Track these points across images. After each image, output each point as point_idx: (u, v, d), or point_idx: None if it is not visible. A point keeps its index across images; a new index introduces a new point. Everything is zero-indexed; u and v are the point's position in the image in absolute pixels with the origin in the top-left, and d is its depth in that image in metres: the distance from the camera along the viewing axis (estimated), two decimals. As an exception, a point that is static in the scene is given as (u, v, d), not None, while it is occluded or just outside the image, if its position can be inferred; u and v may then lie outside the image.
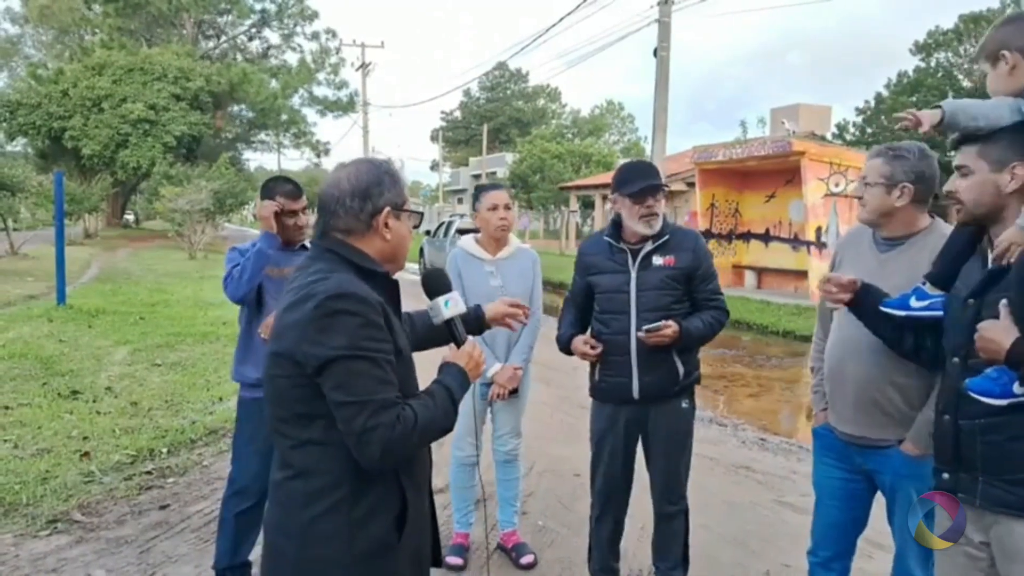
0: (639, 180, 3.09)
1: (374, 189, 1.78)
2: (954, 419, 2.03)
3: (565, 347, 3.31)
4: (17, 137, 34.97)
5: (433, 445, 1.89)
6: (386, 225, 1.79)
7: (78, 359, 8.08)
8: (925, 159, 2.52)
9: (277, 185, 3.38)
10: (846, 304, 2.42)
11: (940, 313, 2.18)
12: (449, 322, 1.98)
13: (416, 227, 1.93)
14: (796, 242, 17.27)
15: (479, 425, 3.81)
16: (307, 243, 3.44)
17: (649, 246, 3.12)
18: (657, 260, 3.11)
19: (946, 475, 2.07)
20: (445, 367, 1.90)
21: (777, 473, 5.48)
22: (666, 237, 3.13)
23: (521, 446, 3.98)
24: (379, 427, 1.59)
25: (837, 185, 15.76)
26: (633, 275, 3.12)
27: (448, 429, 1.78)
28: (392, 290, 1.82)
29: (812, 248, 15.68)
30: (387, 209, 1.78)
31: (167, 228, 28.43)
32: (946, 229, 2.58)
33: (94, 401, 6.47)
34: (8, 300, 12.58)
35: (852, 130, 29.01)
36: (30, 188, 19.75)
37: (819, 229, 15.70)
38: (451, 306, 1.97)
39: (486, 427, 3.96)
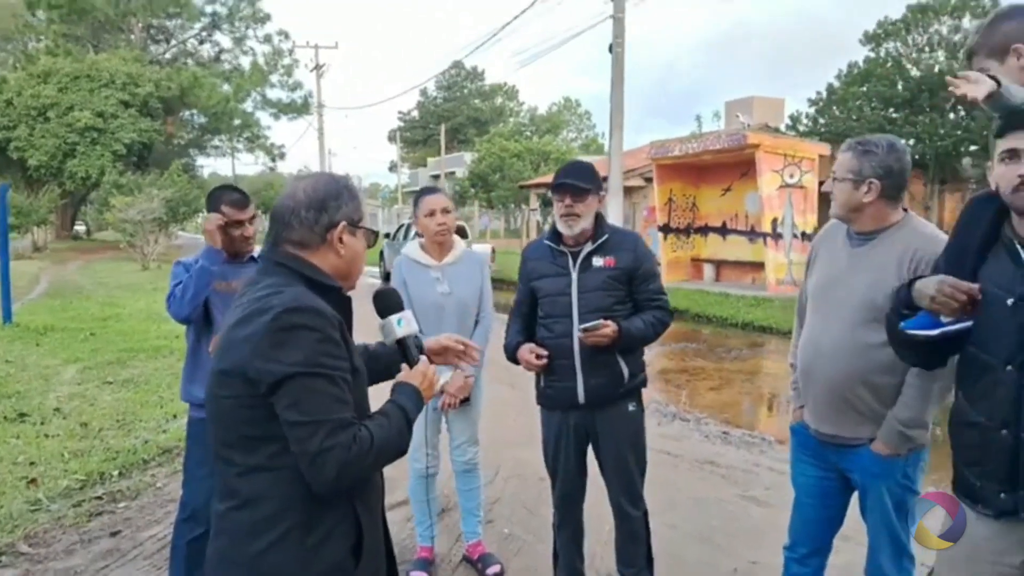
0: (559, 178, 3.10)
1: (331, 202, 1.73)
2: (1014, 433, 1.85)
3: (512, 356, 3.27)
4: (-41, 149, 33.87)
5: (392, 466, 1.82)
6: (340, 240, 1.74)
7: (25, 380, 7.81)
8: (894, 153, 2.50)
9: (223, 194, 3.26)
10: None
11: (971, 323, 1.91)
12: (401, 341, 1.91)
13: (370, 247, 1.86)
14: (753, 234, 17.48)
15: (433, 436, 3.74)
16: (256, 255, 3.33)
17: (588, 247, 3.09)
18: (597, 261, 3.09)
19: (1003, 495, 1.89)
20: (398, 387, 1.83)
21: (741, 467, 5.50)
22: (604, 237, 3.11)
23: (479, 454, 3.92)
24: (335, 448, 1.54)
25: (792, 176, 15.97)
26: (574, 277, 3.09)
27: (403, 450, 1.73)
28: (345, 307, 1.76)
29: (768, 240, 15.88)
30: (343, 224, 1.73)
31: (119, 239, 27.76)
32: (918, 224, 2.57)
33: (42, 423, 6.25)
34: (-49, 319, 12.16)
35: (805, 121, 29.36)
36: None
37: (775, 220, 15.90)
38: (403, 325, 1.91)
39: (444, 437, 3.88)
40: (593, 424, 3.18)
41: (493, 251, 20.99)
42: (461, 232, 14.05)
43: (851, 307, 2.51)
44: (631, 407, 3.18)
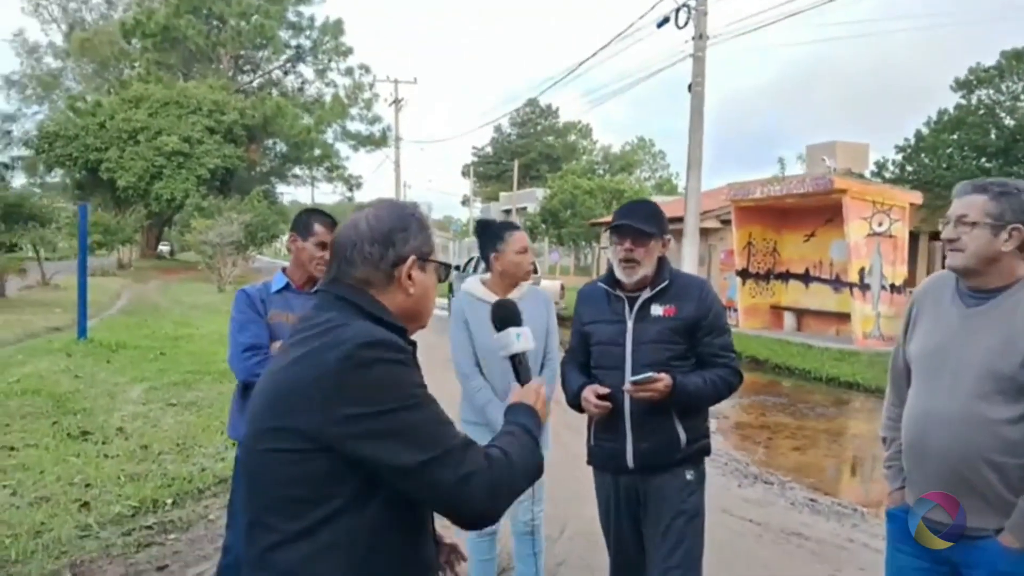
0: (618, 219, 2.81)
1: (398, 235, 1.52)
2: None
3: (575, 400, 2.89)
4: (55, 168, 35.55)
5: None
6: (409, 277, 1.52)
7: (92, 396, 7.82)
8: None
9: (315, 215, 3.14)
10: None
11: None
12: (516, 357, 1.81)
13: (441, 281, 1.65)
14: (838, 283, 16.72)
15: None
16: None
17: (647, 293, 2.78)
18: (656, 310, 2.76)
19: None
20: (513, 409, 1.65)
21: (832, 542, 4.99)
22: (665, 283, 2.78)
23: (543, 514, 3.56)
24: (475, 472, 1.37)
25: (880, 224, 15.24)
26: (629, 326, 2.77)
27: (541, 468, 1.56)
28: (412, 354, 1.49)
29: (855, 290, 15.12)
30: (412, 258, 1.52)
31: (199, 260, 28.55)
32: None
33: (103, 443, 6.17)
34: (32, 332, 12.49)
35: (892, 168, 28.47)
36: (62, 219, 19.88)
37: (862, 270, 15.16)
38: (521, 340, 1.83)
39: None
40: (644, 492, 2.80)
41: (562, 287, 20.68)
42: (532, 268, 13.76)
43: (970, 377, 2.15)
44: (688, 475, 2.78)
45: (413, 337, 1.57)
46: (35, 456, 5.67)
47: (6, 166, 39.54)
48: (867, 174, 22.90)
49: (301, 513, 1.36)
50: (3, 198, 14.50)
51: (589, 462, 2.96)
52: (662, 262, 2.81)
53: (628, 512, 2.85)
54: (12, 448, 5.85)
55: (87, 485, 5.11)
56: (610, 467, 2.84)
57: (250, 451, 1.44)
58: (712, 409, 3.06)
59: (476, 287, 3.48)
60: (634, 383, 2.63)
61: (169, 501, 4.97)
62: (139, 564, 4.11)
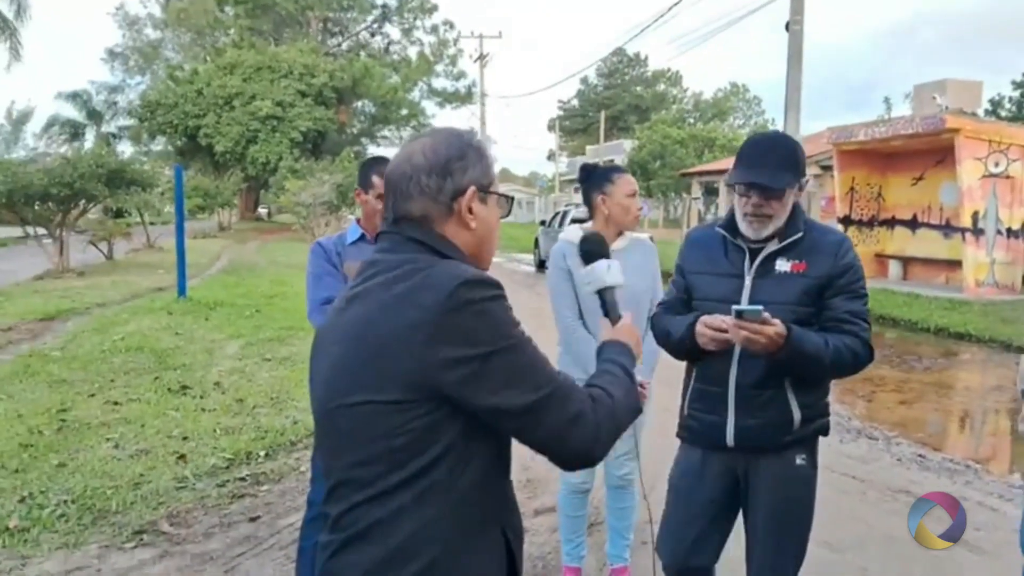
0: (744, 168, 2.31)
1: (455, 164, 1.40)
2: None
3: (682, 340, 2.38)
4: (157, 135, 37.04)
5: (537, 463, 1.44)
6: (470, 210, 1.41)
7: (191, 353, 8.10)
8: None
9: (375, 165, 3.00)
10: None
11: None
12: (605, 291, 1.74)
13: (505, 215, 1.53)
14: (948, 228, 15.72)
15: None
16: None
17: (774, 245, 2.33)
18: (782, 265, 2.31)
19: None
20: (608, 346, 1.58)
21: (945, 501, 4.66)
22: (798, 234, 2.32)
23: (638, 469, 3.41)
24: (582, 413, 1.32)
25: (997, 165, 14.18)
26: (747, 282, 2.33)
27: (639, 408, 1.50)
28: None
29: (967, 235, 14.18)
30: (472, 189, 1.40)
31: (294, 221, 29.35)
32: None
33: (201, 397, 6.37)
34: (136, 292, 13.08)
35: (1008, 105, 26.49)
36: (164, 183, 20.70)
37: (976, 214, 14.18)
38: (612, 273, 1.75)
39: None
40: (744, 475, 2.42)
41: (651, 240, 20.25)
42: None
43: None
44: (799, 460, 2.37)
45: None
46: (137, 410, 5.90)
47: (113, 135, 41.62)
48: (980, 113, 21.33)
49: (401, 463, 1.28)
50: (106, 164, 15.10)
51: (679, 435, 2.58)
52: (795, 210, 2.35)
53: (710, 494, 2.45)
54: (116, 403, 6.11)
55: (184, 438, 5.28)
56: (703, 442, 2.45)
57: (338, 407, 1.34)
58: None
59: (579, 235, 3.31)
60: (739, 315, 2.14)
61: (262, 453, 5.08)
62: (232, 515, 4.20)
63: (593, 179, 3.22)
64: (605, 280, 1.73)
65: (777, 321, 2.14)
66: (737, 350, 2.29)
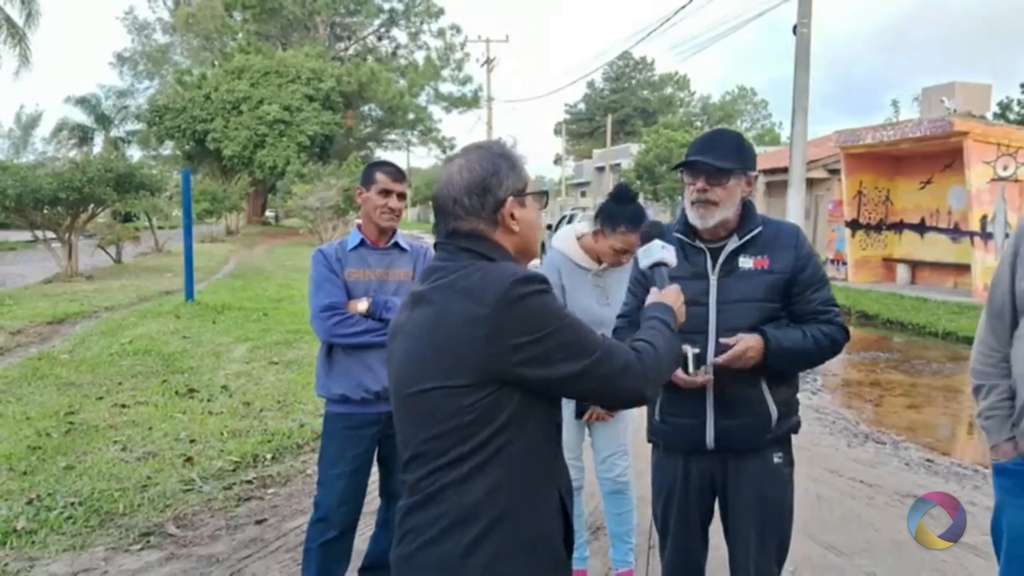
0: (690, 153, 2.34)
1: (491, 180, 1.60)
2: None
3: None
4: (165, 140, 37.15)
5: None
6: (512, 216, 1.62)
7: (199, 356, 8.12)
8: None
9: (379, 165, 3.06)
10: None
11: None
12: (656, 265, 2.00)
13: (544, 207, 1.74)
14: (957, 232, 15.69)
15: (576, 445, 3.31)
16: (399, 241, 3.09)
17: (733, 243, 2.35)
18: (745, 262, 2.33)
19: None
20: (653, 306, 1.84)
21: (953, 505, 4.64)
22: (756, 230, 2.35)
23: (631, 468, 3.40)
24: (629, 363, 1.56)
25: (1006, 168, 14.13)
26: (713, 281, 2.34)
27: (679, 361, 1.86)
28: None
29: (976, 239, 14.13)
30: (510, 199, 1.61)
31: (301, 225, 29.43)
32: None
33: (208, 400, 6.38)
34: (144, 295, 13.13)
35: (1017, 108, 26.40)
36: (172, 188, 20.78)
37: (984, 218, 14.14)
38: (666, 251, 2.02)
39: (588, 451, 3.42)
40: (723, 477, 2.42)
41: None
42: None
43: None
44: (776, 459, 2.39)
45: None
46: (144, 413, 5.92)
47: (122, 140, 41.79)
48: (989, 116, 21.27)
49: (472, 435, 1.49)
50: (115, 168, 15.15)
51: (651, 440, 2.54)
52: (747, 207, 2.38)
53: (698, 499, 2.46)
54: (124, 405, 6.13)
55: (192, 441, 5.29)
56: (682, 448, 2.43)
57: (414, 394, 1.54)
58: (819, 367, 2.76)
59: (571, 248, 3.27)
60: (698, 359, 2.23)
61: (269, 456, 5.09)
62: (239, 517, 4.21)
63: (605, 214, 3.17)
64: (657, 256, 2.00)
65: (747, 338, 2.23)
66: (711, 353, 2.31)
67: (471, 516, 1.50)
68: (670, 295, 1.88)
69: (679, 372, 2.23)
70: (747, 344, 2.23)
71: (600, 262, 3.23)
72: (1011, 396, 2.25)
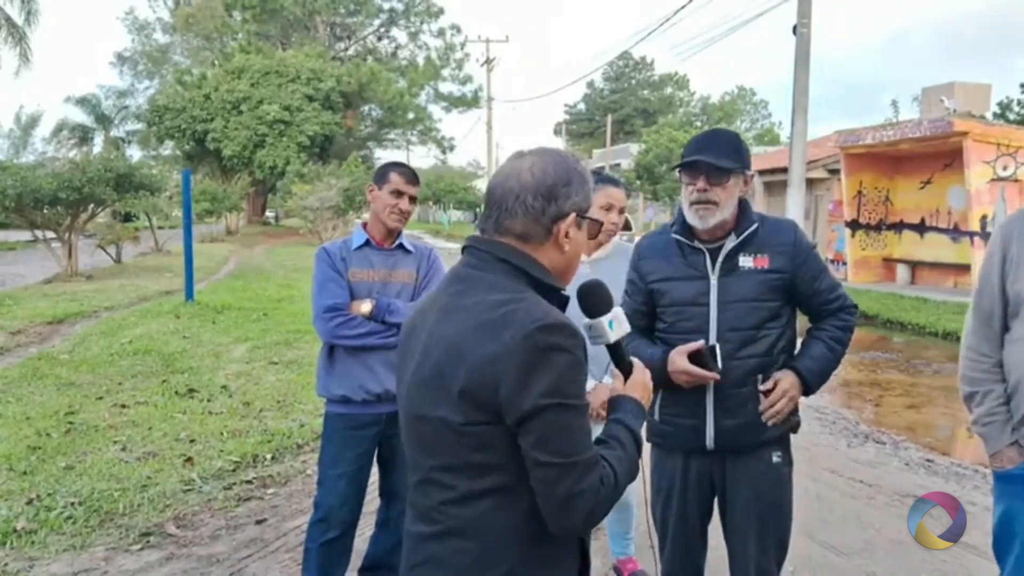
0: (689, 152, 2.35)
1: (561, 188, 1.47)
2: None
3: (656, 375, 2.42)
4: (165, 140, 37.16)
5: None
6: (567, 235, 1.48)
7: (199, 356, 8.13)
8: None
9: (394, 165, 3.06)
10: None
11: None
12: (614, 346, 1.62)
13: (592, 237, 1.60)
14: (956, 232, 15.70)
15: None
16: (404, 243, 3.09)
17: (731, 242, 2.35)
18: (745, 261, 2.34)
19: None
20: (619, 402, 1.58)
21: (953, 505, 4.64)
22: (752, 228, 2.35)
23: (629, 491, 3.41)
24: (585, 492, 1.36)
25: (1006, 168, 14.13)
26: (713, 282, 2.35)
27: (634, 478, 1.52)
28: (564, 311, 1.48)
29: (975, 239, 14.13)
30: (572, 216, 1.48)
31: (301, 225, 29.45)
32: None
33: (208, 400, 6.39)
34: (144, 295, 13.13)
35: (1017, 108, 26.41)
36: (172, 188, 20.78)
37: (984, 218, 14.15)
38: (615, 327, 1.60)
39: None
40: (722, 475, 2.44)
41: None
42: (626, 225, 13.51)
43: None
44: (775, 457, 2.41)
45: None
46: (144, 413, 5.93)
47: (122, 140, 41.80)
48: (989, 116, 21.29)
49: (484, 474, 1.39)
50: (115, 168, 15.15)
51: (650, 439, 2.53)
52: (744, 205, 2.39)
53: (698, 499, 2.48)
54: (124, 405, 6.13)
55: (191, 441, 5.30)
56: (682, 447, 2.45)
57: (421, 417, 1.44)
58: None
59: None
60: (711, 349, 2.29)
61: (269, 456, 5.09)
62: (239, 518, 4.21)
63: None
64: (610, 337, 1.60)
65: (782, 374, 2.34)
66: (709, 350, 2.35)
67: (493, 557, 1.41)
68: (637, 387, 1.61)
69: (703, 371, 2.29)
70: (783, 389, 2.33)
71: (590, 252, 3.22)
72: (1007, 401, 2.24)
